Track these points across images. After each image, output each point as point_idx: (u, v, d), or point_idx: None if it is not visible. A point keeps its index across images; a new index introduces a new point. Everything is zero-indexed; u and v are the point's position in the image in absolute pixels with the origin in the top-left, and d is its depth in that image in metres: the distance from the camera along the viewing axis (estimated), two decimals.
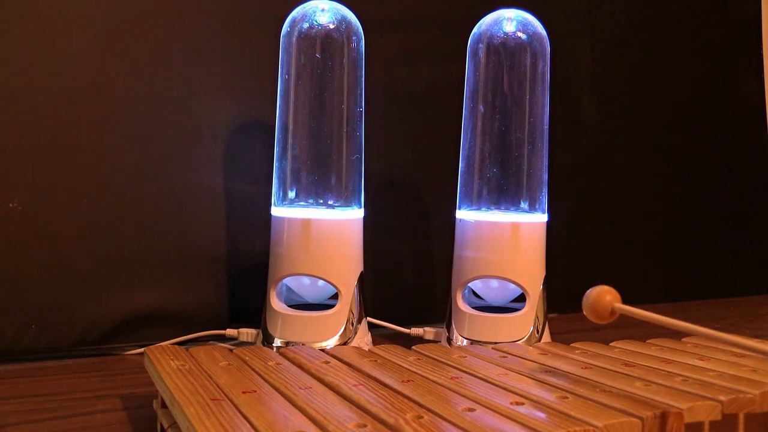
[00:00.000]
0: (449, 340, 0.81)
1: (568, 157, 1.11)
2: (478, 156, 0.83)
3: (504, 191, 0.82)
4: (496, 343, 0.71)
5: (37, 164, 0.80)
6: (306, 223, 0.76)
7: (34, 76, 0.80)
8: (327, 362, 0.57)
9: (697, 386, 0.50)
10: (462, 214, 0.83)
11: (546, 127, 0.83)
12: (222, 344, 0.77)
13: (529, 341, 0.79)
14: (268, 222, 0.79)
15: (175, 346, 0.60)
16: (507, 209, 0.82)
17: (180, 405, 0.45)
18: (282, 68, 0.80)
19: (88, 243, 0.82)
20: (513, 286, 0.80)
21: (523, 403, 0.46)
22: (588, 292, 0.51)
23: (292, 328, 0.76)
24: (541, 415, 0.44)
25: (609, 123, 1.19)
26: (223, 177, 0.89)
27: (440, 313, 0.86)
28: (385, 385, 0.51)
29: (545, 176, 0.83)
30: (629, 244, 1.21)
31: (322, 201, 0.78)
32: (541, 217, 0.82)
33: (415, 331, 0.88)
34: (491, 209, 0.82)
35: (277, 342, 0.76)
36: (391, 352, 0.62)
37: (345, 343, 0.76)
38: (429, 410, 0.45)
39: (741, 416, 0.48)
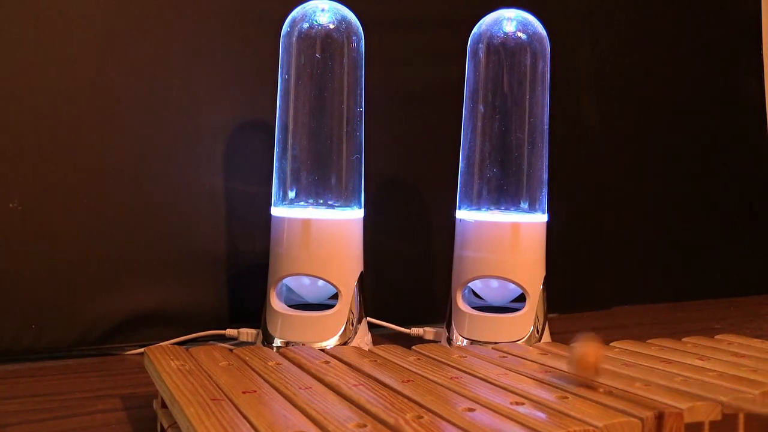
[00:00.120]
0: (449, 340, 0.81)
1: (568, 157, 1.11)
2: (478, 156, 0.83)
3: (504, 191, 0.82)
4: (496, 343, 0.71)
5: (37, 164, 0.80)
6: (306, 223, 0.76)
7: (34, 76, 0.80)
8: (327, 362, 0.57)
9: (697, 386, 0.50)
10: (462, 214, 0.83)
11: (546, 127, 0.83)
12: (222, 344, 0.77)
13: (529, 341, 0.79)
14: (268, 222, 0.79)
15: (175, 346, 0.60)
16: (507, 209, 0.82)
17: (180, 405, 0.45)
18: (282, 68, 0.80)
19: (88, 243, 0.82)
20: (513, 286, 0.80)
21: (523, 403, 0.46)
22: (574, 346, 0.51)
23: (292, 328, 0.76)
24: (541, 415, 0.44)
25: (609, 123, 1.19)
26: (223, 177, 0.89)
27: (440, 313, 0.86)
28: (385, 385, 0.51)
29: (545, 176, 0.83)
30: (629, 244, 1.21)
31: (322, 201, 0.78)
32: (541, 217, 0.82)
33: (415, 331, 0.88)
34: (491, 209, 0.82)
35: (277, 342, 0.76)
36: (391, 352, 0.62)
37: (345, 343, 0.76)
38: (429, 410, 0.45)
39: (741, 416, 0.48)
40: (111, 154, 0.84)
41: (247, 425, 0.41)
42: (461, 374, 0.55)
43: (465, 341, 0.80)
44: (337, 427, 0.41)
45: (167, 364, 0.54)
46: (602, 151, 1.18)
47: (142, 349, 0.77)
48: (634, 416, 0.43)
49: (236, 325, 0.84)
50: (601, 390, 0.49)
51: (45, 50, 0.80)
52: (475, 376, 0.54)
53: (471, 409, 0.45)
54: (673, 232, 1.26)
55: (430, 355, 0.61)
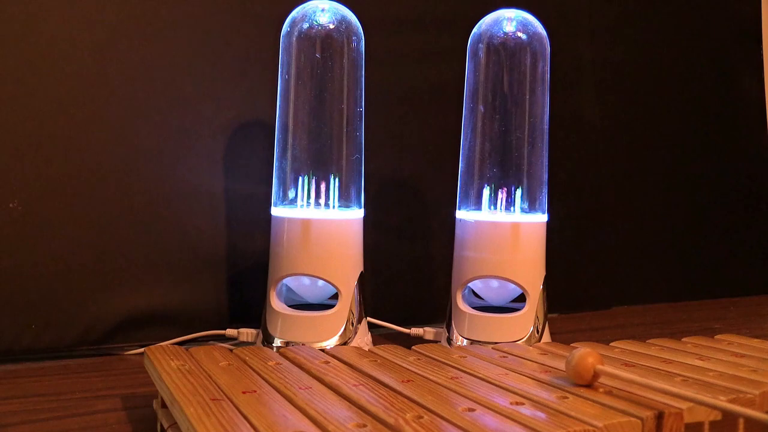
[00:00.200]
0: (449, 340, 0.81)
1: (568, 157, 1.11)
2: (478, 156, 0.83)
3: (504, 191, 0.82)
4: (496, 343, 0.71)
5: (37, 164, 0.80)
6: (306, 223, 0.76)
7: (34, 76, 0.80)
8: (327, 362, 0.57)
9: (697, 386, 0.50)
10: (462, 214, 0.83)
11: (546, 127, 0.83)
12: (222, 344, 0.77)
13: (529, 341, 0.79)
14: (268, 222, 0.79)
15: (175, 346, 0.60)
16: (507, 209, 0.82)
17: (180, 405, 0.45)
18: (282, 68, 0.80)
19: (88, 243, 0.82)
20: (513, 286, 0.80)
21: (523, 403, 0.46)
22: (571, 354, 0.51)
23: (292, 328, 0.76)
24: (541, 415, 0.44)
25: (609, 123, 1.19)
26: (223, 177, 0.89)
27: (440, 313, 0.86)
28: (385, 385, 0.51)
29: (545, 176, 0.83)
30: (629, 244, 1.21)
31: (322, 201, 0.78)
32: (541, 217, 0.82)
33: (415, 331, 0.88)
34: (491, 209, 0.82)
35: (277, 342, 0.76)
36: (391, 352, 0.62)
37: (345, 343, 0.76)
38: (429, 410, 0.45)
39: (741, 416, 0.48)
40: (111, 154, 0.84)
41: (247, 425, 0.41)
42: (461, 374, 0.55)
43: (465, 341, 0.80)
44: (337, 427, 0.41)
45: (167, 364, 0.54)
46: (602, 151, 1.18)
47: (142, 349, 0.77)
48: (634, 416, 0.43)
49: (236, 325, 0.84)
50: (601, 390, 0.49)
51: (45, 50, 0.80)
52: (475, 376, 0.54)
53: (471, 409, 0.45)
54: (673, 232, 1.26)
55: (430, 355, 0.61)
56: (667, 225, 1.25)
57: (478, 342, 0.78)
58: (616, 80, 1.20)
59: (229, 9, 0.90)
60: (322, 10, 0.79)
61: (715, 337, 0.73)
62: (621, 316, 1.11)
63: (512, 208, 0.82)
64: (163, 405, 0.52)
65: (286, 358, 0.59)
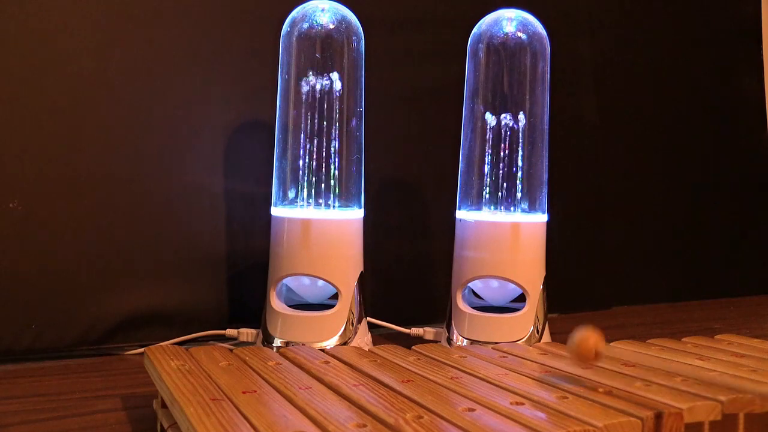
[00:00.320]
0: (449, 340, 0.81)
1: (568, 157, 1.11)
2: (478, 156, 0.83)
3: (504, 191, 0.82)
4: (496, 343, 0.71)
5: (37, 164, 0.80)
6: (306, 223, 0.76)
7: (34, 76, 0.80)
8: (327, 362, 0.57)
9: (697, 386, 0.50)
10: (462, 214, 0.83)
11: (546, 127, 0.83)
12: (222, 344, 0.77)
13: (529, 341, 0.79)
14: (268, 222, 0.79)
15: (175, 346, 0.60)
16: (507, 209, 0.82)
17: (180, 405, 0.45)
18: (282, 68, 0.80)
19: (88, 243, 0.82)
20: (513, 286, 0.80)
21: (523, 403, 0.46)
22: (572, 334, 0.51)
23: (292, 328, 0.76)
24: (541, 415, 0.44)
25: (609, 123, 1.19)
26: (223, 177, 0.89)
27: (440, 313, 0.86)
28: (385, 385, 0.51)
29: (545, 176, 0.83)
30: (629, 244, 1.21)
31: (322, 201, 0.78)
32: (541, 217, 0.82)
33: (415, 331, 0.88)
34: (491, 209, 0.82)
35: (277, 342, 0.76)
36: (391, 352, 0.62)
37: (345, 343, 0.76)
38: (429, 410, 0.45)
39: (741, 416, 0.48)
40: (111, 154, 0.84)
41: (247, 425, 0.41)
42: (461, 374, 0.54)
43: (465, 341, 0.80)
44: (337, 427, 0.41)
45: (167, 364, 0.54)
46: (602, 151, 1.18)
47: (142, 349, 0.77)
48: (634, 416, 0.43)
49: (236, 325, 0.84)
50: (601, 390, 0.49)
51: (45, 50, 0.80)
52: (475, 376, 0.54)
53: (471, 409, 0.45)
54: (672, 232, 1.26)
55: (430, 355, 0.61)
56: (667, 225, 1.25)
57: (478, 342, 0.78)
58: (616, 80, 1.20)
59: (229, 9, 0.90)
60: (322, 10, 0.79)
61: (715, 337, 0.73)
62: (621, 316, 1.11)
63: (512, 208, 0.82)
64: (163, 405, 0.52)
65: (286, 358, 0.59)
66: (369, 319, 0.82)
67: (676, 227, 1.26)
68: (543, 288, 0.81)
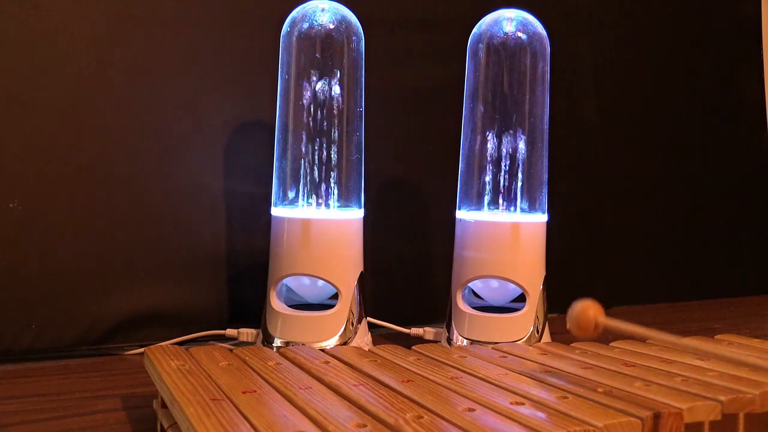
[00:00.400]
0: (449, 340, 0.81)
1: (568, 157, 1.11)
2: (478, 156, 0.83)
3: (504, 191, 0.82)
4: (496, 343, 0.71)
5: (37, 164, 0.80)
6: (306, 223, 0.76)
7: (34, 76, 0.80)
8: (327, 362, 0.57)
9: (697, 386, 0.50)
10: (462, 214, 0.83)
11: (546, 127, 0.83)
12: (222, 344, 0.77)
13: (529, 341, 0.79)
14: (268, 222, 0.79)
15: (175, 346, 0.60)
16: (507, 209, 0.82)
17: (180, 405, 0.45)
18: (282, 68, 0.80)
19: (88, 243, 0.82)
20: (513, 286, 0.80)
21: (523, 403, 0.46)
22: (572, 306, 0.51)
23: (292, 328, 0.76)
24: (541, 415, 0.44)
25: (609, 123, 1.19)
26: (223, 177, 0.89)
27: (440, 313, 0.86)
28: (385, 385, 0.51)
29: (545, 176, 0.83)
30: (629, 244, 1.21)
31: (322, 201, 0.78)
32: (541, 217, 0.82)
33: (415, 331, 0.88)
34: (491, 209, 0.82)
35: (277, 342, 0.76)
36: (391, 352, 0.62)
37: (345, 343, 0.76)
38: (429, 410, 0.45)
39: (741, 416, 0.48)
40: (111, 154, 0.84)
41: (247, 425, 0.41)
42: (461, 374, 0.55)
43: (465, 341, 0.80)
44: (337, 427, 0.41)
45: (167, 364, 0.54)
46: (602, 151, 1.18)
47: (142, 349, 0.77)
48: (634, 416, 0.43)
49: (236, 325, 0.84)
50: (601, 390, 0.49)
51: (45, 50, 0.80)
52: (475, 376, 0.54)
53: (471, 409, 0.45)
54: (672, 232, 1.26)
55: (430, 355, 0.61)
56: (667, 225, 1.25)
57: (478, 342, 0.78)
58: (616, 80, 1.20)
59: (229, 9, 0.90)
60: (322, 10, 0.79)
61: (715, 337, 0.73)
62: (621, 316, 1.10)
63: (512, 208, 0.82)
64: (163, 405, 0.52)
65: (286, 358, 0.59)
66: (369, 319, 0.82)
67: (676, 227, 1.26)
68: (543, 288, 0.81)
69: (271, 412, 0.44)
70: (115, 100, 0.84)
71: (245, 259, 0.90)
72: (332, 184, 0.78)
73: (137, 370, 0.73)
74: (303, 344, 0.73)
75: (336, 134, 0.78)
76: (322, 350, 0.62)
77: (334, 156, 0.78)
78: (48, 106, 0.81)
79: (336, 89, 0.78)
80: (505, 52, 0.82)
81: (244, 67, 0.91)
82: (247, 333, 0.82)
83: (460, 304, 0.81)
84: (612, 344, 0.69)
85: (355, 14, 0.80)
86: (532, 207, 0.82)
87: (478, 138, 0.83)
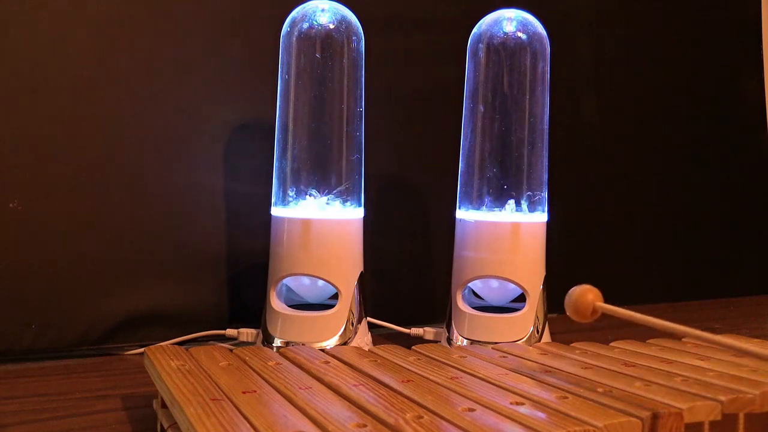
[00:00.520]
0: (449, 340, 0.81)
1: (568, 157, 1.11)
2: (478, 156, 0.83)
3: (504, 191, 0.82)
4: (496, 343, 0.71)
5: (37, 164, 0.80)
6: (306, 223, 0.76)
7: (35, 76, 0.80)
8: (327, 362, 0.57)
9: (697, 386, 0.50)
10: (462, 214, 0.83)
11: (546, 127, 0.83)
12: (222, 344, 0.77)
13: (529, 341, 0.79)
14: (268, 222, 0.79)
15: (175, 346, 0.60)
16: (507, 209, 0.81)
17: (180, 405, 0.45)
18: (282, 68, 0.80)
19: (88, 243, 0.82)
20: (513, 286, 0.80)
21: (523, 403, 0.46)
22: (570, 291, 0.51)
23: (292, 328, 0.76)
24: (541, 415, 0.44)
25: (609, 123, 1.19)
26: (223, 177, 0.89)
27: (440, 313, 0.86)
28: (385, 385, 0.51)
29: (545, 176, 0.83)
30: (629, 244, 1.21)
31: (322, 201, 0.78)
32: (541, 217, 0.82)
33: (415, 331, 0.88)
34: (491, 209, 0.82)
35: (277, 342, 0.76)
36: (391, 352, 0.62)
37: (345, 343, 0.76)
38: (429, 410, 0.45)
39: (741, 416, 0.48)
40: (111, 154, 0.84)
41: (247, 425, 0.41)
42: (461, 374, 0.55)
43: (465, 341, 0.80)
44: (337, 427, 0.41)
45: (167, 364, 0.54)
46: (602, 151, 1.18)
47: (142, 349, 0.77)
48: (634, 416, 0.43)
49: (236, 325, 0.84)
50: (601, 390, 0.49)
51: (45, 50, 0.80)
52: (475, 376, 0.54)
53: (471, 409, 0.45)
54: (672, 232, 1.26)
55: (430, 355, 0.61)
56: (668, 225, 1.25)
57: (478, 342, 0.78)
58: (616, 80, 1.20)
59: (229, 9, 0.90)
60: (322, 10, 0.79)
61: None
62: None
63: (512, 208, 0.81)
64: (163, 405, 0.52)
65: (286, 358, 0.59)
66: (369, 319, 0.82)
67: (676, 227, 1.26)
68: (543, 288, 0.81)
69: (271, 412, 0.44)
70: (115, 100, 0.84)
71: (245, 259, 0.90)
72: (332, 185, 0.78)
73: (137, 370, 0.73)
74: (303, 344, 0.73)
75: (336, 134, 0.78)
76: (322, 350, 0.62)
77: (334, 156, 0.78)
78: (48, 106, 0.81)
79: (336, 89, 0.78)
80: (505, 52, 0.82)
81: (244, 67, 0.91)
82: (247, 333, 0.82)
83: (460, 304, 0.81)
84: (612, 344, 0.69)
85: (355, 14, 0.80)
86: (532, 207, 0.82)
87: (478, 138, 0.83)
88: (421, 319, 0.91)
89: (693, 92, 1.29)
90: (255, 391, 0.48)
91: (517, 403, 0.46)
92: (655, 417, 0.43)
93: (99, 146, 0.83)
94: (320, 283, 0.77)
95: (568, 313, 0.52)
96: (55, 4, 0.81)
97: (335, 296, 0.77)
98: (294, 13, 0.80)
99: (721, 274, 1.30)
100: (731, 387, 0.50)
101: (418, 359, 0.59)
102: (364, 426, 0.41)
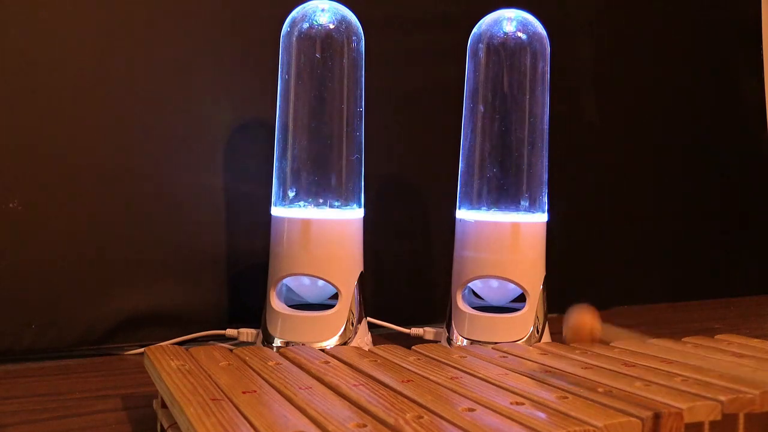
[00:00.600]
0: (449, 340, 0.81)
1: (568, 157, 1.11)
2: (478, 156, 0.83)
3: (504, 191, 0.82)
4: (496, 343, 0.71)
5: (37, 164, 0.80)
6: (306, 223, 0.76)
7: (34, 76, 0.80)
8: (327, 362, 0.57)
9: (697, 386, 0.50)
10: (462, 214, 0.83)
11: (546, 127, 0.83)
12: (222, 344, 0.77)
13: (529, 341, 0.79)
14: (268, 222, 0.79)
15: (175, 346, 0.60)
16: (507, 209, 0.82)
17: (180, 405, 0.45)
18: (282, 68, 0.80)
19: (88, 243, 0.82)
20: (513, 286, 0.80)
21: (523, 403, 0.46)
22: (568, 312, 0.51)
23: (292, 328, 0.76)
24: (541, 415, 0.44)
25: (609, 123, 1.19)
26: (223, 177, 0.89)
27: (440, 313, 0.86)
28: (385, 385, 0.51)
29: (545, 176, 0.83)
30: (629, 244, 1.21)
31: (322, 201, 0.78)
32: (541, 217, 0.82)
33: (415, 331, 0.88)
34: (491, 209, 0.82)
35: (277, 342, 0.76)
36: (391, 352, 0.62)
37: (345, 343, 0.76)
38: (429, 410, 0.45)
39: (741, 416, 0.48)
40: (111, 154, 0.84)
41: (247, 425, 0.41)
42: (461, 374, 0.55)
43: (465, 341, 0.80)
44: (337, 427, 0.41)
45: (167, 364, 0.54)
46: (602, 151, 1.18)
47: (142, 349, 0.77)
48: (634, 416, 0.43)
49: (236, 325, 0.84)
50: (601, 390, 0.49)
51: (45, 50, 0.80)
52: (475, 376, 0.54)
53: (471, 409, 0.45)
54: (672, 232, 1.26)
55: (430, 355, 0.61)
56: (667, 225, 1.25)
57: (478, 342, 0.78)
58: (616, 80, 1.20)
59: (229, 9, 0.90)
60: (322, 10, 0.79)
61: (715, 337, 0.73)
62: (621, 316, 1.11)
63: (512, 208, 0.82)
64: (163, 405, 0.52)
65: (286, 358, 0.59)
66: (369, 319, 0.82)
67: (675, 227, 1.26)
68: (543, 288, 0.81)
69: (271, 412, 0.44)
70: (114, 100, 0.84)
71: (245, 259, 0.90)
72: (332, 184, 0.78)
73: (137, 370, 0.73)
74: (303, 344, 0.73)
75: (336, 134, 0.78)
76: (322, 350, 0.62)
77: (334, 156, 0.78)
78: (48, 106, 0.81)
79: (336, 89, 0.78)
80: (505, 52, 0.82)
81: (244, 67, 0.91)
82: (247, 333, 0.82)
83: (460, 304, 0.81)
84: (612, 344, 0.69)
85: (355, 14, 0.80)
86: (532, 207, 0.82)
87: (478, 138, 0.83)
88: (421, 319, 0.91)
89: (693, 92, 1.29)
90: (255, 391, 0.48)
91: (517, 403, 0.46)
92: (655, 417, 0.43)
93: (99, 146, 0.83)
94: (320, 283, 0.77)
95: (565, 334, 0.52)
96: (55, 4, 0.81)
97: (335, 296, 0.77)
98: (294, 13, 0.80)
99: (721, 274, 1.30)
100: (731, 387, 0.50)
101: (418, 359, 0.59)
102: (364, 426, 0.41)
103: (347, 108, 0.79)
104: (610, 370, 0.57)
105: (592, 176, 1.17)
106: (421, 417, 0.43)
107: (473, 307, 0.81)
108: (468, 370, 0.56)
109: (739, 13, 1.35)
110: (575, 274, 1.12)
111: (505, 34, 0.82)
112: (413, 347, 0.64)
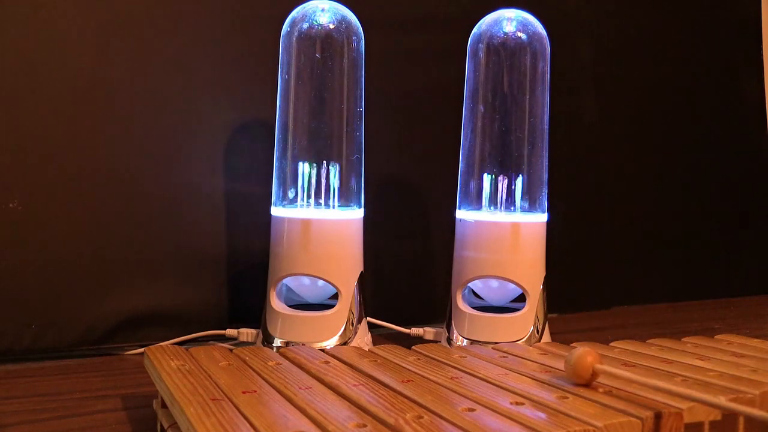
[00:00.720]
0: (449, 340, 0.81)
1: (568, 157, 1.11)
2: (478, 156, 0.83)
3: (504, 191, 0.82)
4: (496, 343, 0.71)
5: (37, 164, 0.80)
6: (306, 223, 0.76)
7: (34, 76, 0.80)
8: (327, 362, 0.57)
9: (697, 386, 0.50)
10: (462, 214, 0.83)
11: (546, 127, 0.83)
12: (222, 344, 0.77)
13: (529, 341, 0.79)
14: (268, 222, 0.79)
15: (175, 346, 0.60)
16: (507, 209, 0.82)
17: (180, 405, 0.45)
18: (282, 68, 0.80)
19: (88, 243, 0.82)
20: (513, 286, 0.80)
21: (523, 403, 0.46)
22: (569, 354, 0.51)
23: (292, 328, 0.76)
24: (541, 415, 0.44)
25: (609, 123, 1.19)
26: (223, 177, 0.89)
27: (440, 313, 0.86)
28: (385, 385, 0.51)
29: (545, 176, 0.83)
30: (629, 244, 1.21)
31: (322, 201, 0.78)
32: (541, 217, 0.82)
33: (415, 331, 0.88)
34: (491, 209, 0.82)
35: (277, 342, 0.76)
36: (391, 352, 0.62)
37: (345, 343, 0.76)
38: (429, 410, 0.45)
39: (741, 416, 0.48)
40: (111, 154, 0.84)
41: (247, 425, 0.41)
42: (461, 374, 0.55)
43: (465, 341, 0.80)
44: (337, 427, 0.41)
45: (167, 364, 0.54)
46: (602, 151, 1.18)
47: (142, 349, 0.77)
48: (634, 416, 0.43)
49: (236, 325, 0.84)
50: (601, 390, 0.49)
51: (45, 50, 0.80)
52: (475, 376, 0.54)
53: (471, 409, 0.45)
54: (672, 231, 1.26)
55: (430, 355, 0.61)
56: (667, 225, 1.25)
57: (478, 342, 0.78)
58: (616, 80, 1.20)
59: (229, 9, 0.90)
60: (322, 10, 0.79)
61: (715, 337, 0.73)
62: (621, 316, 1.11)
63: (512, 208, 0.82)
64: (163, 405, 0.52)
65: (286, 358, 0.59)
66: (369, 319, 0.82)
67: (675, 227, 1.26)
68: (543, 288, 0.81)
69: (271, 412, 0.44)
70: (114, 100, 0.84)
71: (245, 259, 0.90)
72: (332, 184, 0.78)
73: (137, 370, 0.73)
74: (303, 344, 0.73)
75: (336, 134, 0.78)
76: (322, 350, 0.62)
77: (334, 156, 0.78)
78: (48, 106, 0.81)
79: (336, 89, 0.78)
80: (505, 52, 0.82)
81: (244, 67, 0.91)
82: (247, 333, 0.82)
83: (460, 304, 0.81)
84: (612, 344, 0.69)
85: (355, 14, 0.80)
86: (532, 207, 0.82)
87: (478, 138, 0.83)
88: (421, 319, 0.91)
89: (693, 92, 1.29)
90: (255, 391, 0.48)
91: (517, 403, 0.46)
92: (655, 417, 0.43)
93: (99, 146, 0.83)
94: (320, 283, 0.77)
95: (566, 373, 0.52)
96: (55, 4, 0.81)
97: (335, 296, 0.77)
98: (294, 13, 0.80)
99: (721, 274, 1.30)
100: (731, 387, 0.50)
101: (418, 359, 0.59)
102: (364, 426, 0.41)
103: (347, 108, 0.79)
104: (610, 369, 0.57)
105: (592, 176, 1.17)
106: (421, 417, 0.43)
107: (473, 307, 0.81)
108: (468, 370, 0.56)
109: (739, 13, 1.35)
110: (575, 274, 1.12)
111: (505, 34, 0.82)
112: (413, 347, 0.64)
